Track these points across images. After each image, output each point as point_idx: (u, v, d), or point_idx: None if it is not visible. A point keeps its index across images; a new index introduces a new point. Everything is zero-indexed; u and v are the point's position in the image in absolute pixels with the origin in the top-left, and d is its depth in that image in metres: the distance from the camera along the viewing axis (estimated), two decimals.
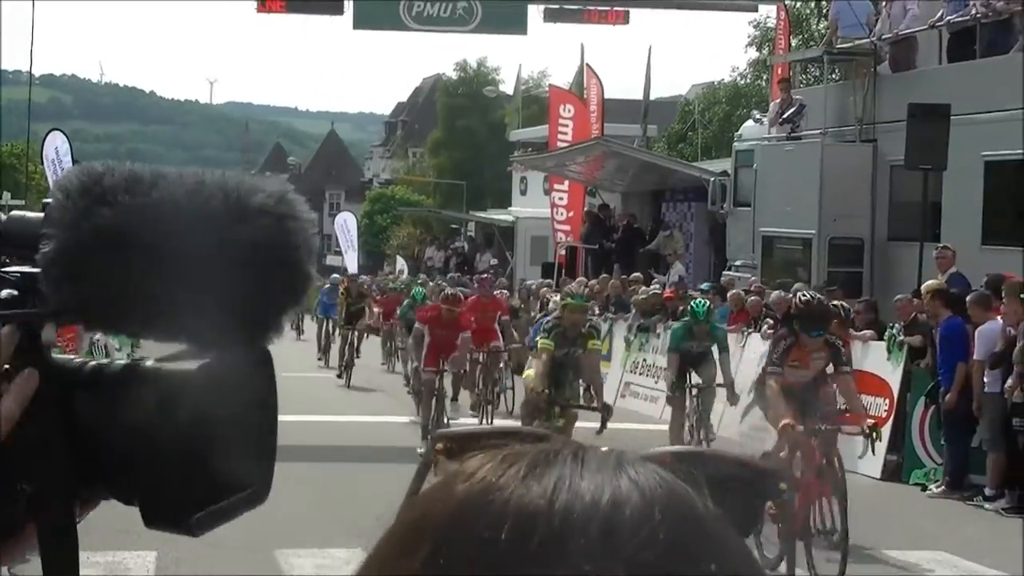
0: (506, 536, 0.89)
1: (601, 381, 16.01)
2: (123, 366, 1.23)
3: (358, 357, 32.16)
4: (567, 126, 43.07)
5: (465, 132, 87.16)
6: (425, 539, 0.92)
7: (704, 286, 27.64)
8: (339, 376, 31.31)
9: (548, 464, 0.94)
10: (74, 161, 32.61)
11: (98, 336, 21.78)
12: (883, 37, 26.13)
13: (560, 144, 41.33)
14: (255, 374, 1.24)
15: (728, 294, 25.12)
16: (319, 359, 36.65)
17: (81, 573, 1.10)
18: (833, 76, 29.12)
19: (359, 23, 31.69)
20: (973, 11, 23.64)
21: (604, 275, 32.71)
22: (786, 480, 1.05)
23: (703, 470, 1.02)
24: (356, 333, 32.74)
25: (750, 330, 23.28)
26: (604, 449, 0.98)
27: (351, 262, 62.70)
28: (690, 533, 0.91)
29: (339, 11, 31.31)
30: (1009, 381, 16.36)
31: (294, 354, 32.99)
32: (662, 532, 0.90)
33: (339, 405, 26.29)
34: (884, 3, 26.60)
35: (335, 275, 41.82)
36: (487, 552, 0.90)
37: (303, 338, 41.16)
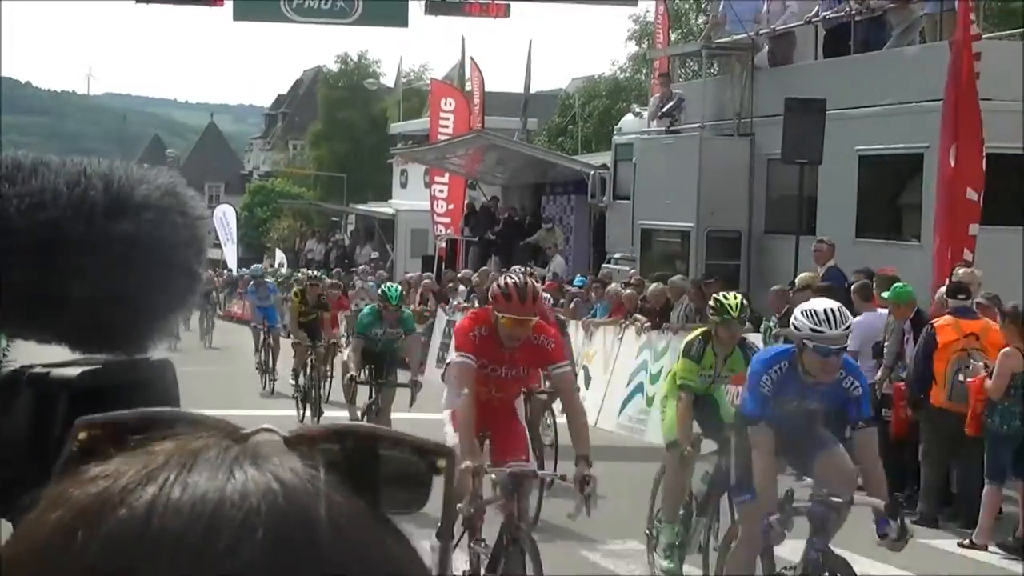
0: (98, 564, 0.84)
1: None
2: (10, 372, 1.17)
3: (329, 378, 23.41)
4: (448, 119, 43.03)
5: (346, 125, 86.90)
6: (20, 573, 0.86)
7: (578, 281, 27.77)
8: (300, 406, 23.01)
9: (151, 480, 0.87)
10: None
11: None
12: (760, 32, 26.37)
13: (441, 137, 41.32)
14: (146, 383, 1.17)
15: (606, 288, 25.26)
16: (263, 389, 27.95)
17: None
18: (712, 71, 29.35)
19: (239, 15, 31.45)
20: (848, 8, 23.93)
21: (483, 268, 32.76)
22: (447, 456, 1.01)
23: (354, 450, 0.97)
24: (318, 353, 23.16)
25: (627, 323, 23.43)
26: (229, 446, 0.91)
27: (230, 255, 62.32)
28: (298, 543, 0.86)
29: (218, 2, 31.06)
30: (878, 373, 16.62)
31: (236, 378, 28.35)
32: (262, 549, 0.85)
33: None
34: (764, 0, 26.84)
35: (256, 265, 36.40)
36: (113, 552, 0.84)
37: (214, 346, 39.37)
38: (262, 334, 29.09)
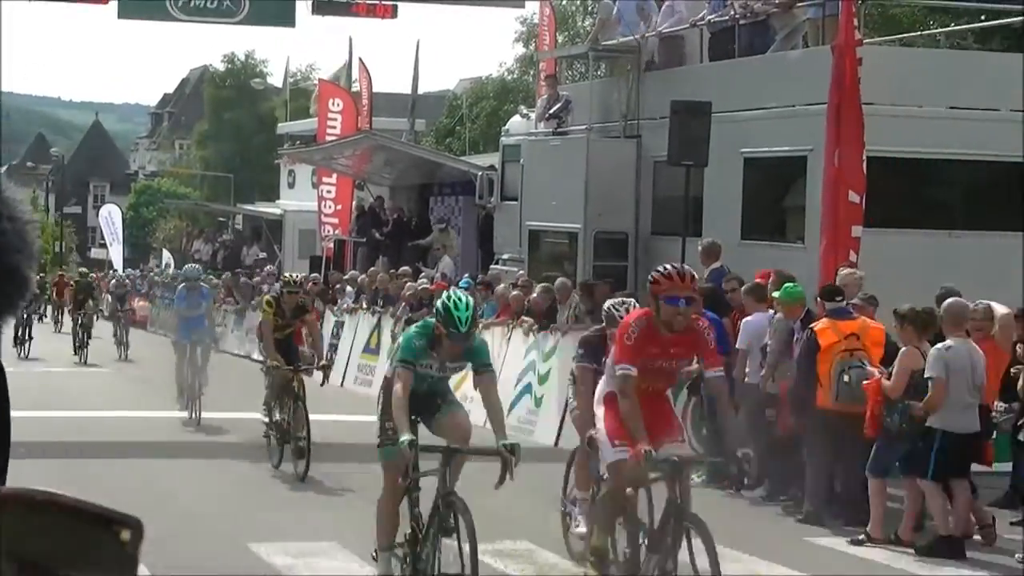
0: None
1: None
2: None
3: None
4: (336, 120, 42.93)
5: (232, 124, 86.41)
6: None
7: (464, 282, 27.72)
8: (277, 452, 18.63)
9: None
10: None
11: None
12: (647, 35, 26.49)
13: (329, 138, 41.21)
14: None
15: (495, 289, 25.28)
16: (184, 418, 23.78)
17: None
18: (598, 73, 29.46)
19: (123, 13, 31.07)
20: (732, 12, 24.12)
21: (372, 268, 32.69)
22: (132, 527, 0.98)
23: (21, 520, 0.90)
24: (299, 380, 18.64)
25: (514, 324, 23.46)
26: None
27: (116, 255, 61.73)
28: None
29: (102, 0, 30.68)
30: (762, 372, 16.78)
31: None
32: None
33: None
34: (654, 2, 26.96)
35: (192, 266, 28.81)
36: None
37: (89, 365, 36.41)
38: (187, 351, 24.08)
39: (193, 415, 23.32)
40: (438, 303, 10.91)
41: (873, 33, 28.25)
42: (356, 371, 29.77)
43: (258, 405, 19.32)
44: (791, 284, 16.70)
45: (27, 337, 38.44)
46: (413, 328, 11.18)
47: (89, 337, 38.00)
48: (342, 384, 28.53)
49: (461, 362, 11.00)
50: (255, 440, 19.53)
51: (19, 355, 37.15)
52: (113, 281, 52.53)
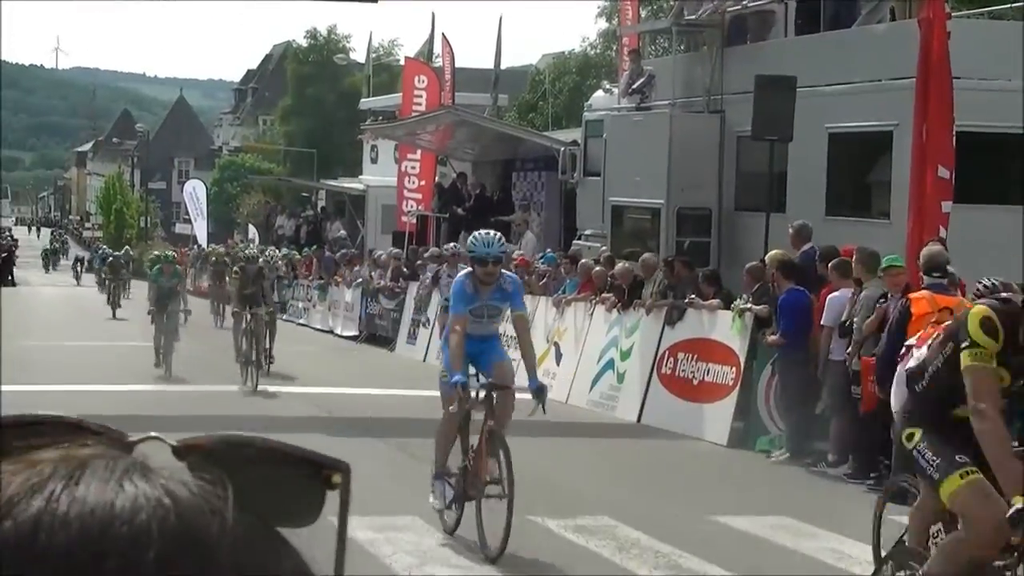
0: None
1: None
2: None
3: None
4: (421, 96, 43.02)
5: (315, 100, 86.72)
6: None
7: (548, 257, 27.71)
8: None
9: (36, 491, 0.84)
10: None
11: None
12: (730, 10, 26.35)
13: (414, 114, 41.21)
14: None
15: (578, 264, 25.25)
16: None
17: None
18: (681, 48, 29.30)
19: None
20: None
21: (453, 244, 32.70)
22: (342, 471, 0.99)
23: (246, 462, 0.93)
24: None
25: (596, 300, 23.42)
26: (125, 460, 0.88)
27: (200, 230, 62.18)
28: (190, 565, 0.82)
29: None
30: (848, 349, 16.64)
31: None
32: (153, 571, 0.81)
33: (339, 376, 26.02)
34: None
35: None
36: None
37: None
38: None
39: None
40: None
41: (961, 6, 27.93)
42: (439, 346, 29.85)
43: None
44: (892, 256, 16.45)
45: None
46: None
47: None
48: (424, 359, 28.61)
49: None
50: (342, 415, 19.61)
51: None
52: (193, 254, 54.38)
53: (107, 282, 52.04)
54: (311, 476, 0.96)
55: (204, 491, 0.86)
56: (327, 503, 0.97)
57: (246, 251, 46.56)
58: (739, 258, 22.19)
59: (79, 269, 78.73)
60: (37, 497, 0.83)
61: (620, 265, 23.26)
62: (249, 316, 24.91)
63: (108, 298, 48.13)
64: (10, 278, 69.45)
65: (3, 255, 72.01)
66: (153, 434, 0.93)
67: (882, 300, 16.23)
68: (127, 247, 64.43)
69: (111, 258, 56.82)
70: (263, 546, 0.87)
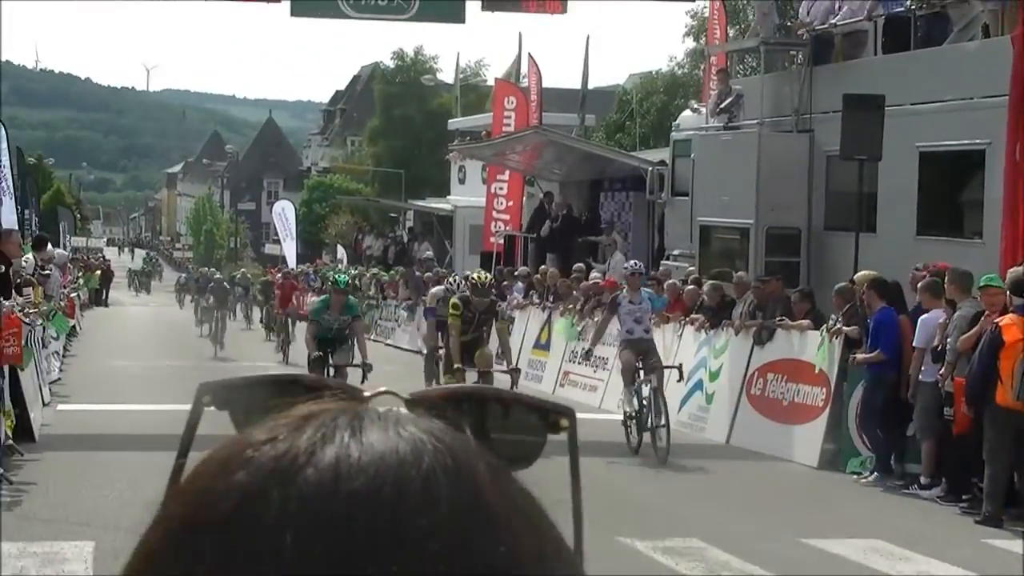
0: (291, 536, 0.85)
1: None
2: None
3: None
4: (510, 117, 43.16)
5: (403, 121, 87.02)
6: (203, 538, 0.88)
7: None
8: None
9: (327, 440, 0.90)
10: (11, 148, 32.31)
11: (39, 323, 21.67)
12: (816, 28, 26.26)
13: (503, 135, 41.30)
14: None
15: (665, 284, 25.20)
16: None
17: (17, 563, 1.06)
18: (775, 66, 29.19)
19: (297, 11, 31.50)
20: (908, 3, 23.81)
21: (543, 266, 32.74)
22: (569, 416, 1.10)
23: (476, 411, 1.03)
24: None
25: (686, 320, 23.36)
26: (381, 410, 0.95)
27: (289, 251, 62.57)
28: (469, 500, 0.89)
29: None
30: (941, 370, 16.49)
31: None
32: (448, 505, 0.88)
33: None
34: None
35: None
36: (274, 548, 0.86)
37: None
38: None
39: None
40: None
41: None
42: (527, 367, 29.84)
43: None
44: (990, 276, 16.29)
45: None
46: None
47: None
48: None
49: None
50: None
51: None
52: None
53: (212, 312, 41.72)
54: (537, 422, 1.06)
55: (462, 437, 0.94)
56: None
57: (334, 272, 46.85)
58: (828, 278, 22.06)
59: (182, 293, 67.32)
60: (329, 446, 0.89)
61: (707, 285, 23.21)
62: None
63: (212, 332, 39.27)
64: (103, 298, 70.20)
65: (101, 274, 72.78)
66: (384, 389, 1.01)
67: (976, 319, 16.07)
68: (243, 271, 58.73)
69: (213, 282, 44.36)
70: (516, 484, 0.94)
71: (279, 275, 47.13)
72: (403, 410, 0.98)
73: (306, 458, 0.88)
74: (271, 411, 0.97)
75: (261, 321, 45.66)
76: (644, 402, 19.16)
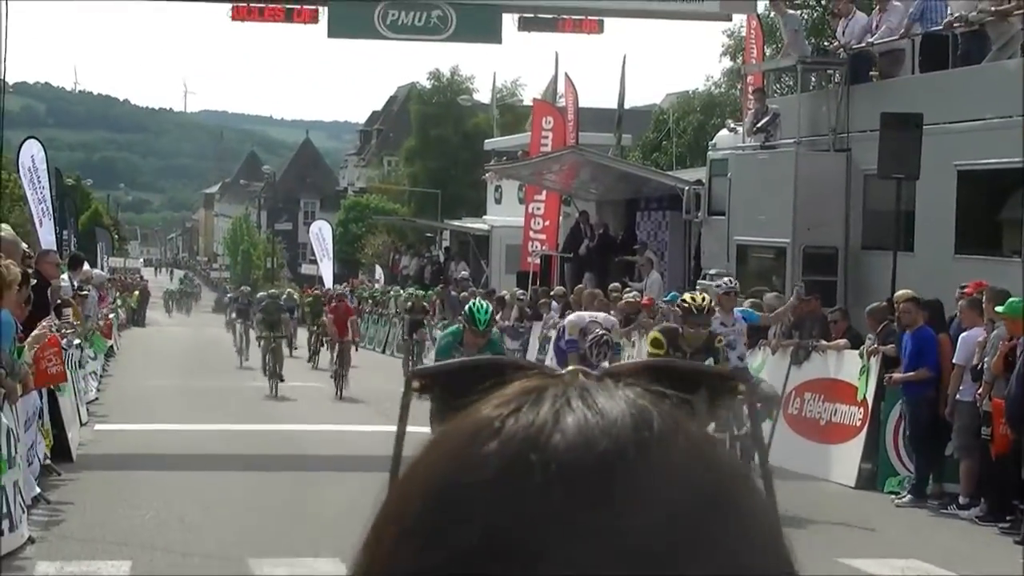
0: (561, 495, 0.95)
1: None
2: None
3: None
4: (547, 137, 43.19)
5: (439, 141, 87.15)
6: (470, 499, 0.97)
7: (669, 296, 27.64)
8: None
9: (565, 410, 1.00)
10: (50, 169, 32.51)
11: (76, 343, 21.78)
12: (852, 47, 26.22)
13: (540, 155, 41.34)
14: None
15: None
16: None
17: None
18: (812, 84, 29.16)
19: (333, 32, 31.61)
20: (947, 21, 23.74)
21: (579, 286, 32.73)
22: (744, 381, 1.24)
23: (667, 381, 1.12)
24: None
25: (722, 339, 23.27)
26: (599, 382, 1.05)
27: (326, 271, 62.65)
28: (707, 470, 1.00)
29: (313, 20, 31.26)
30: (978, 389, 16.42)
31: None
32: (685, 476, 0.98)
33: (316, 415, 26.24)
34: (876, 12, 26.66)
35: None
36: (541, 504, 0.95)
37: None
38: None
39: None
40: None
41: None
42: None
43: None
44: (1016, 299, 16.25)
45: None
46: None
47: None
48: None
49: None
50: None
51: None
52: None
53: (243, 331, 39.63)
54: (718, 388, 1.19)
55: (667, 401, 1.05)
56: None
57: (371, 291, 46.61)
58: (866, 297, 22.00)
59: (233, 316, 49.92)
60: (570, 414, 0.99)
61: (746, 303, 23.14)
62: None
63: (265, 367, 31.82)
64: (138, 318, 70.49)
65: (139, 294, 73.11)
66: (574, 367, 1.10)
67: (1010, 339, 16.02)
68: (288, 291, 54.38)
69: (265, 301, 35.69)
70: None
71: (332, 296, 40.93)
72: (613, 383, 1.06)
73: (552, 425, 0.98)
74: (476, 393, 1.06)
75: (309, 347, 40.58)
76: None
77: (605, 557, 0.94)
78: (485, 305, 14.73)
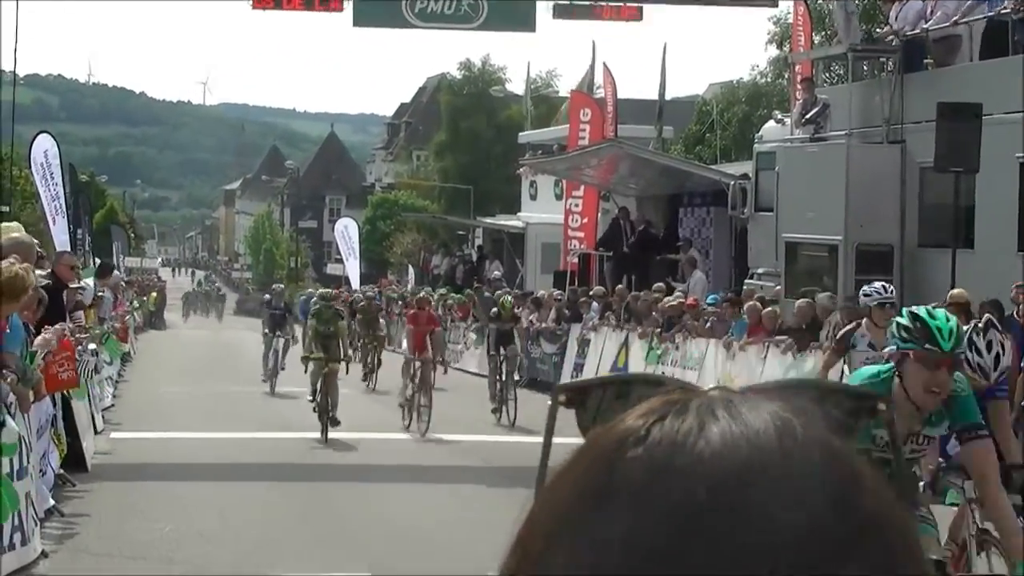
0: (704, 497, 1.03)
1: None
2: None
3: None
4: (585, 130, 43.14)
5: (471, 134, 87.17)
6: (617, 499, 1.06)
7: (711, 298, 27.60)
8: None
9: (709, 420, 1.09)
10: (63, 165, 32.57)
11: (91, 347, 21.81)
12: (906, 33, 26.11)
13: (578, 148, 41.31)
14: None
15: (745, 305, 25.03)
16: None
17: None
18: (863, 73, 29.05)
19: (359, 20, 31.63)
20: (1006, 7, 23.62)
21: (620, 286, 32.71)
22: (885, 402, 1.34)
23: (808, 399, 1.27)
24: None
25: (769, 343, 23.20)
26: (743, 396, 1.13)
27: (353, 271, 62.70)
28: (851, 477, 1.08)
29: (337, 7, 31.27)
30: None
31: None
32: (829, 481, 1.06)
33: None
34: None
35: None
36: (685, 512, 1.03)
37: None
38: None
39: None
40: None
41: None
42: None
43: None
44: None
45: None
46: None
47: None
48: None
49: None
50: (499, 464, 19.64)
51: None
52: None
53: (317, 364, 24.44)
54: (858, 407, 1.31)
55: (809, 415, 1.13)
56: None
57: (401, 292, 46.36)
58: (923, 297, 21.88)
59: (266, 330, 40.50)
60: (714, 424, 1.08)
61: (797, 304, 23.07)
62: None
63: (316, 400, 23.86)
64: (156, 321, 70.73)
65: (156, 296, 73.34)
66: (714, 385, 1.21)
67: None
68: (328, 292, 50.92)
69: (318, 307, 25.91)
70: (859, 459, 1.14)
71: (409, 302, 37.11)
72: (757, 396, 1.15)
73: (697, 433, 1.07)
74: (619, 407, 1.19)
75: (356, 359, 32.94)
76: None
77: (743, 559, 1.01)
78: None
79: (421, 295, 30.19)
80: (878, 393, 1.33)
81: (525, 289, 43.29)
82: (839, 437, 1.13)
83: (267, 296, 38.41)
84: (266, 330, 34.31)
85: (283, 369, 32.39)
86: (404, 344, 29.42)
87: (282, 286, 41.06)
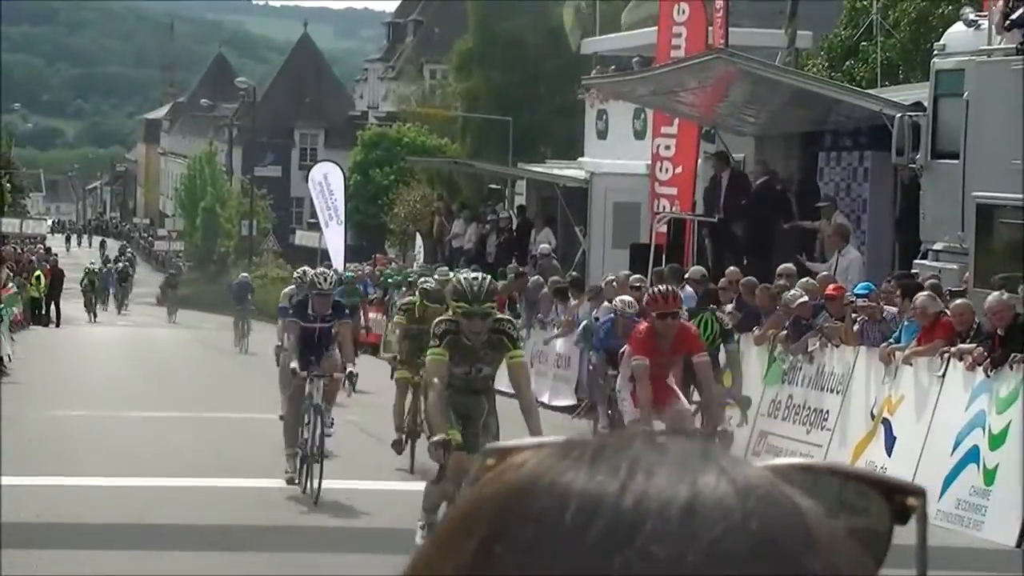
0: (570, 518, 1.20)
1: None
2: None
3: None
4: (680, 36, 42.94)
5: (509, 41, 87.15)
6: (476, 528, 1.24)
7: (862, 287, 27.35)
8: None
9: (618, 449, 1.26)
10: None
11: None
12: None
13: (670, 63, 41.23)
14: None
15: (913, 299, 24.90)
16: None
17: None
18: None
19: None
20: None
21: (731, 268, 32.64)
22: (918, 495, 1.42)
23: (823, 485, 1.34)
24: None
25: (951, 353, 23.18)
26: (687, 440, 1.29)
27: (334, 241, 62.66)
28: (786, 526, 1.22)
29: None
30: None
31: None
32: (753, 522, 1.20)
33: None
34: None
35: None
36: (548, 536, 1.20)
37: None
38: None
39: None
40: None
41: None
42: None
43: None
44: None
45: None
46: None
47: None
48: None
49: None
50: None
51: None
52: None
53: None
54: (881, 503, 1.41)
55: (774, 482, 1.28)
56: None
57: (405, 275, 46.31)
58: None
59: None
60: (619, 457, 1.26)
61: (990, 298, 23.07)
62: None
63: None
64: (44, 313, 71.14)
65: (44, 278, 73.69)
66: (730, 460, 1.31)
67: None
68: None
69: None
70: (839, 530, 1.29)
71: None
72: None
73: (594, 454, 1.27)
74: None
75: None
76: None
77: None
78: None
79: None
80: (909, 484, 1.39)
81: (588, 270, 43.33)
82: (819, 505, 1.27)
83: (236, 282, 38.21)
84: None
85: None
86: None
87: (246, 276, 41.04)
